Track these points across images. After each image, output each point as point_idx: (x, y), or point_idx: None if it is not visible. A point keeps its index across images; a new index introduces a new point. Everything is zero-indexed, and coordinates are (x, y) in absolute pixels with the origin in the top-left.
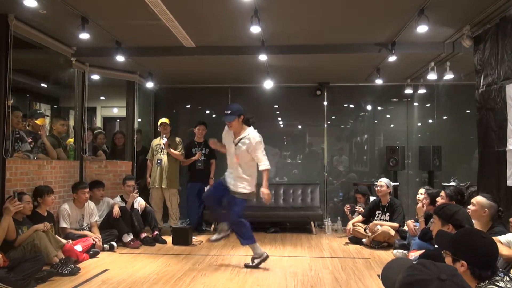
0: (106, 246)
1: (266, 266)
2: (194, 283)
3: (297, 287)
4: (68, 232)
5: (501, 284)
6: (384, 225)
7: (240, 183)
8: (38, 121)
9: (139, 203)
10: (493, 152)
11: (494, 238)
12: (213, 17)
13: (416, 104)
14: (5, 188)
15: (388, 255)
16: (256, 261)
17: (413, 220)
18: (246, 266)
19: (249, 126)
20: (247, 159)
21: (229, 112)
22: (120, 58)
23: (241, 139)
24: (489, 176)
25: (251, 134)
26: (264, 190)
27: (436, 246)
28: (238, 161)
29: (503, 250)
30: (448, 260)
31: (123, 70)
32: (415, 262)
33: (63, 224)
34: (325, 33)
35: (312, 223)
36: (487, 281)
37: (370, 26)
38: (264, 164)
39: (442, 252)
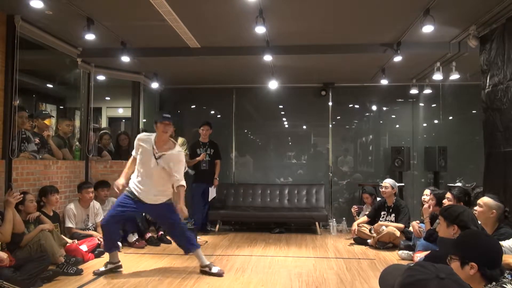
0: None
1: (270, 266)
2: (198, 283)
3: (302, 287)
4: (73, 232)
5: (509, 286)
6: (389, 226)
7: (161, 195)
8: (45, 122)
9: None
10: (499, 153)
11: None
12: (218, 18)
13: (421, 104)
14: (12, 188)
15: (393, 256)
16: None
17: (418, 221)
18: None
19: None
20: (165, 177)
21: (168, 115)
22: (125, 58)
23: (163, 154)
24: (495, 177)
25: (179, 151)
26: (183, 207)
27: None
28: (154, 178)
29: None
30: (456, 265)
31: (128, 71)
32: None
33: (69, 224)
34: (330, 33)
35: (317, 223)
36: (494, 283)
37: (375, 26)
38: (183, 180)
39: (448, 258)
